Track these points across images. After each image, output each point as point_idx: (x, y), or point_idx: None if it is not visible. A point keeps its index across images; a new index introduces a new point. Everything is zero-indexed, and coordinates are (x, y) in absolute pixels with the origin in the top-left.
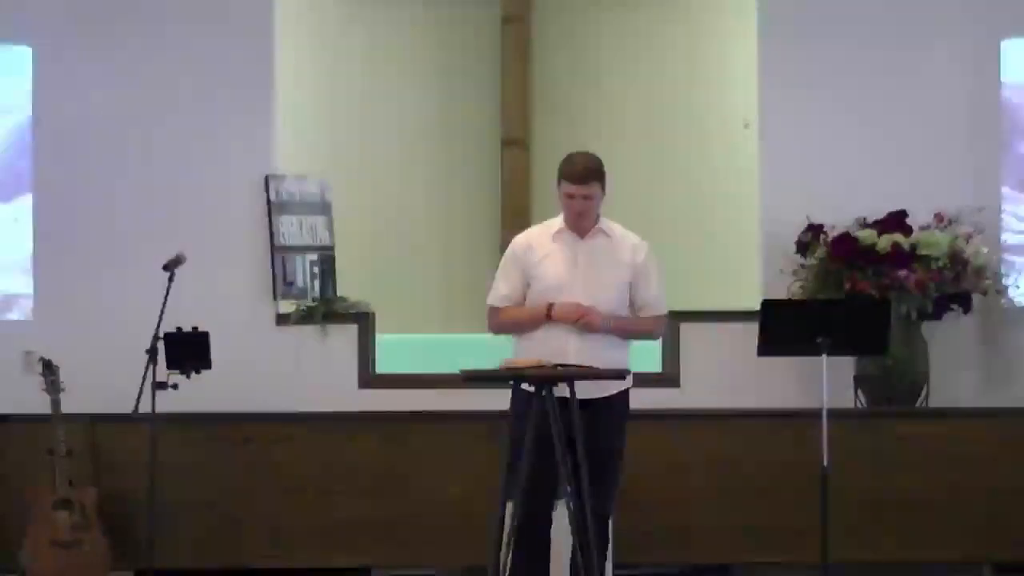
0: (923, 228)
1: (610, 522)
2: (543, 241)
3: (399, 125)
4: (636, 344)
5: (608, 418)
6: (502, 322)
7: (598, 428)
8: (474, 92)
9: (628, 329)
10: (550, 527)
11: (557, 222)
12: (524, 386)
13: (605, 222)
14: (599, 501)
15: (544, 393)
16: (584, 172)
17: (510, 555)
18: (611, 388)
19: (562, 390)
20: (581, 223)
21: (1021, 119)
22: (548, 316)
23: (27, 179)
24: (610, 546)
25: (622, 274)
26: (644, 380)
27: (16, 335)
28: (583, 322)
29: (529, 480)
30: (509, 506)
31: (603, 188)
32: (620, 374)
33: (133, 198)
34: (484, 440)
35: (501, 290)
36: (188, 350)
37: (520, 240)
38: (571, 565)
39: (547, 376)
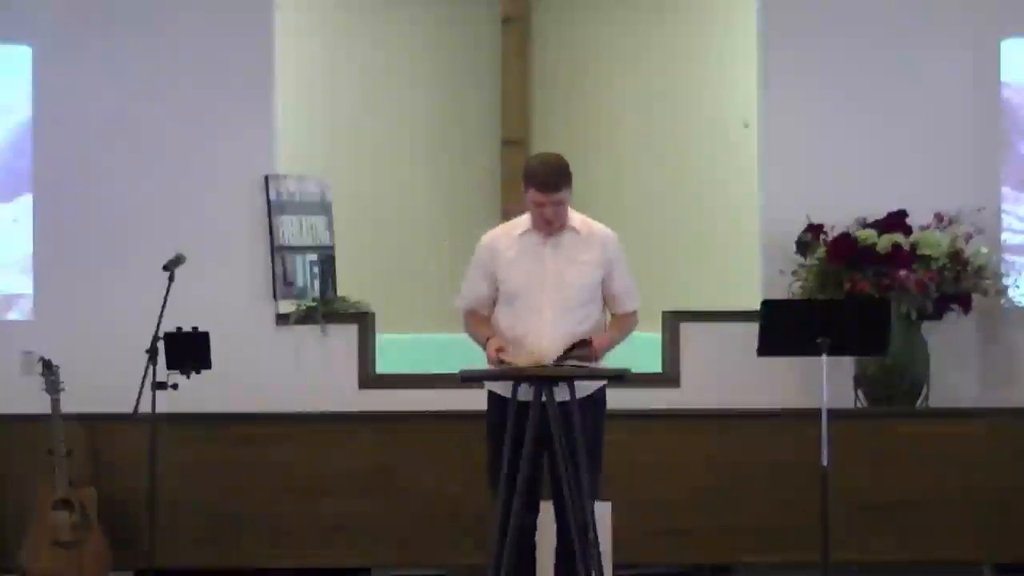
0: (923, 228)
1: (609, 519)
2: (508, 242)
3: (399, 125)
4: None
5: (595, 413)
6: (467, 328)
7: (585, 424)
8: (474, 92)
9: (608, 346)
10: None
11: (523, 222)
12: (497, 391)
13: (571, 216)
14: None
15: (544, 395)
16: (554, 180)
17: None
18: (594, 385)
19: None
20: (551, 228)
21: (1021, 119)
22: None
23: (27, 179)
24: (610, 542)
25: (591, 271)
26: (644, 380)
27: (16, 335)
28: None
29: (526, 483)
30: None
31: (571, 188)
32: (620, 374)
33: (133, 198)
34: (483, 440)
35: (467, 292)
36: (188, 350)
37: (485, 241)
38: (563, 564)
39: (547, 376)
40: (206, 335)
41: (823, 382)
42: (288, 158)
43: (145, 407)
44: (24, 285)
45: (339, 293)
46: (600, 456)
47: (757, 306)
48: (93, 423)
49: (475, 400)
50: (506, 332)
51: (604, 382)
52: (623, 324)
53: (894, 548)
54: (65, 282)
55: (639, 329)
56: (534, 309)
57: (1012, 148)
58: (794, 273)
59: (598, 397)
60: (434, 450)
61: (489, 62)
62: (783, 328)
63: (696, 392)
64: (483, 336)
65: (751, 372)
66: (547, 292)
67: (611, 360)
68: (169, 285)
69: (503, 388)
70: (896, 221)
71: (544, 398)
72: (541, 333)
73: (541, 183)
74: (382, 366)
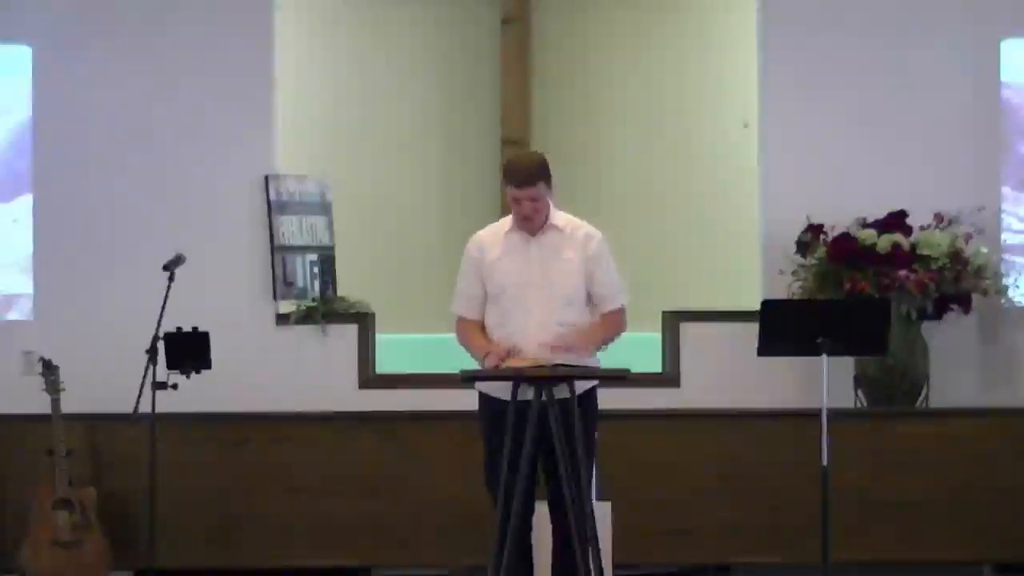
0: (923, 228)
1: (609, 519)
2: (495, 242)
3: (399, 125)
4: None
5: (587, 412)
6: (460, 338)
7: (579, 423)
8: (474, 92)
9: (590, 346)
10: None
11: (508, 221)
12: (488, 392)
13: (555, 215)
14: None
15: (544, 395)
16: (528, 175)
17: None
18: (586, 384)
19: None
20: (530, 225)
21: (1021, 119)
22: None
23: (27, 179)
24: (610, 542)
25: (575, 268)
26: (644, 380)
27: (16, 335)
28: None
29: (525, 483)
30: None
31: (549, 185)
32: (620, 374)
33: (133, 198)
34: (483, 440)
35: (461, 295)
36: (188, 350)
37: (473, 242)
38: (561, 564)
39: (547, 376)
40: (206, 335)
41: (823, 382)
42: (288, 158)
43: (145, 407)
44: (24, 285)
45: (339, 293)
46: (593, 454)
47: (757, 306)
48: (93, 423)
49: (475, 400)
50: (494, 330)
51: (596, 382)
52: (608, 322)
53: (894, 548)
54: (65, 282)
55: (639, 329)
56: (520, 307)
57: (1012, 148)
58: (794, 273)
59: (590, 396)
60: (434, 450)
61: (489, 62)
62: (783, 328)
63: (696, 392)
64: (479, 349)
65: (751, 372)
66: (532, 290)
67: (611, 360)
68: (169, 285)
69: (492, 389)
70: (896, 221)
71: (544, 398)
72: (528, 330)
73: (516, 179)
74: (382, 366)
